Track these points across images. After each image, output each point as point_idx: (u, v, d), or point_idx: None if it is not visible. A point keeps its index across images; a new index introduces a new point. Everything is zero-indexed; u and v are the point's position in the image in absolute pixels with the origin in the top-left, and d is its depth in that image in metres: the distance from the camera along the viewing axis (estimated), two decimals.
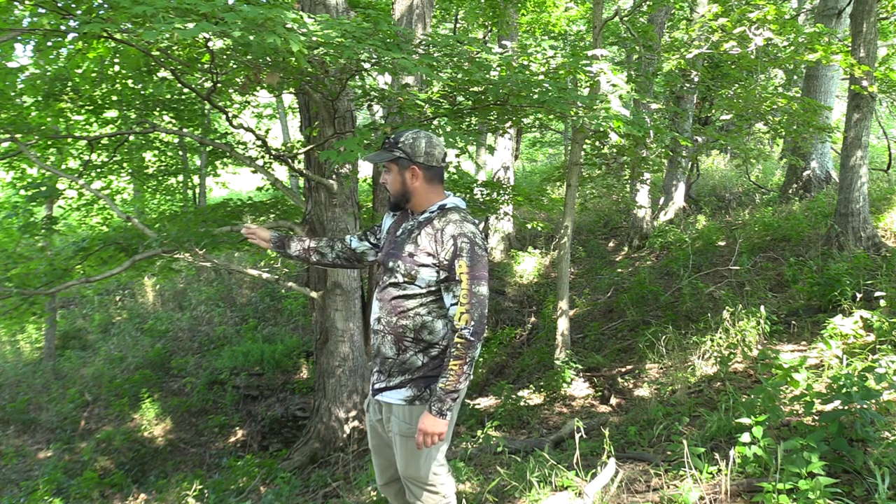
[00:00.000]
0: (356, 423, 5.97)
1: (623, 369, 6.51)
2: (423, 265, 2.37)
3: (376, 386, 2.52)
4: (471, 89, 4.98)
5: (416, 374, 2.42)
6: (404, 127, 4.49)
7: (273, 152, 6.14)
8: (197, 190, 14.02)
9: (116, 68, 7.15)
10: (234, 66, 5.39)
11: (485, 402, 6.97)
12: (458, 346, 2.28)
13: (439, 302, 2.41)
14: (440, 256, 2.35)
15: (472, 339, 2.27)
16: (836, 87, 10.35)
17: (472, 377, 2.34)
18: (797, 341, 5.43)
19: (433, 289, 2.39)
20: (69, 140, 7.75)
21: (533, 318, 10.00)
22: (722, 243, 9.38)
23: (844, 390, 3.04)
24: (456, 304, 2.31)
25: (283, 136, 18.66)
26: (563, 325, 6.83)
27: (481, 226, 13.31)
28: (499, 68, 4.61)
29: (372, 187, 6.70)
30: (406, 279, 2.39)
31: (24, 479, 7.35)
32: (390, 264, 2.45)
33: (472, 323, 2.27)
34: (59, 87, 6.70)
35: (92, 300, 13.30)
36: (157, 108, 7.77)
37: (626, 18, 8.41)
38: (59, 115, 7.25)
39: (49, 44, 5.17)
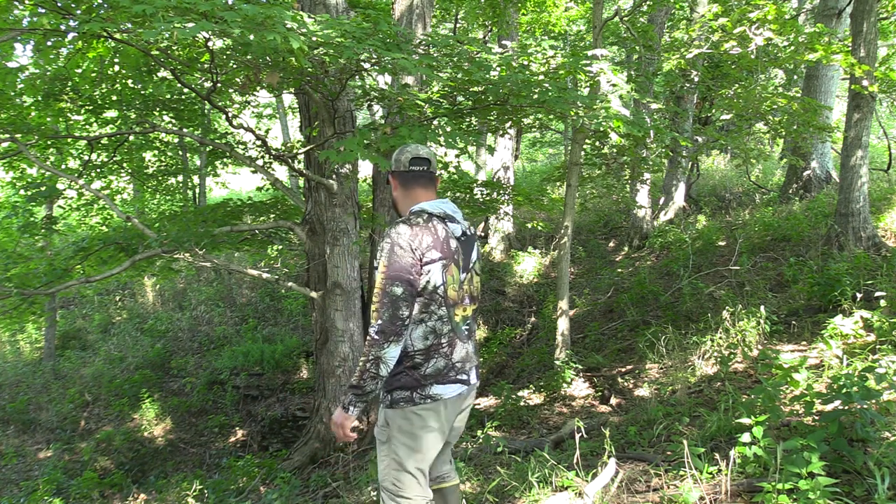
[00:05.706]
0: (356, 423, 5.96)
1: (623, 369, 6.50)
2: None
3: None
4: (471, 89, 4.97)
5: (388, 378, 2.44)
6: (404, 127, 4.48)
7: (273, 152, 6.14)
8: (197, 190, 14.04)
9: (116, 68, 7.16)
10: (234, 66, 5.40)
11: (485, 402, 6.97)
12: (366, 343, 2.30)
13: None
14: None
15: (376, 337, 2.26)
16: (836, 86, 10.35)
17: (380, 379, 2.31)
18: (797, 341, 5.43)
19: None
20: (69, 140, 7.76)
21: (533, 318, 10.00)
22: (722, 243, 9.37)
23: (844, 390, 3.04)
24: None
25: (283, 136, 18.66)
26: (563, 325, 6.83)
27: (480, 226, 13.38)
28: (499, 68, 4.61)
29: (372, 187, 6.70)
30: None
31: (24, 479, 7.36)
32: None
33: (380, 322, 2.26)
34: (59, 87, 6.71)
35: (92, 300, 13.31)
36: (157, 108, 7.78)
37: (626, 18, 8.41)
38: (59, 115, 7.25)
39: (49, 44, 5.19)
